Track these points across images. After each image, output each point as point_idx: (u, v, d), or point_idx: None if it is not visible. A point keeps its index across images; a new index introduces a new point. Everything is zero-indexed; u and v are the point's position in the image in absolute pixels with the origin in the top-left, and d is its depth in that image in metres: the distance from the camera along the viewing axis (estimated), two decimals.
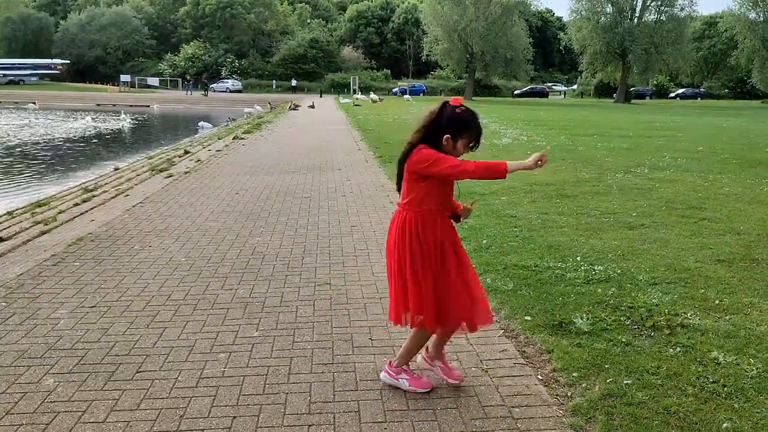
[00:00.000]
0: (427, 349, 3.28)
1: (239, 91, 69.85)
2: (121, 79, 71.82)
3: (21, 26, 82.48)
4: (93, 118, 32.10)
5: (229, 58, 77.76)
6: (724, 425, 2.76)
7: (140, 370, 3.33)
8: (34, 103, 44.83)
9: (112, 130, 27.99)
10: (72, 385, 3.15)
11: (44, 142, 21.81)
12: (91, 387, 3.14)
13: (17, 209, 8.59)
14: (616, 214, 7.04)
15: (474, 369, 3.37)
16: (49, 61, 79.16)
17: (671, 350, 3.50)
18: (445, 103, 2.96)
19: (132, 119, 32.18)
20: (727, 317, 3.97)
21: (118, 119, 32.30)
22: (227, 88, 70.58)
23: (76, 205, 8.28)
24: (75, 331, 3.82)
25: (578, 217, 6.84)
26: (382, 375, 3.21)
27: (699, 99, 73.35)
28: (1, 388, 3.11)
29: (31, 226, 7.05)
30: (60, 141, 22.27)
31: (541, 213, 7.06)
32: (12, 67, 75.29)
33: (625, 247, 5.62)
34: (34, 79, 75.20)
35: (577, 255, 5.32)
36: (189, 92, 63.56)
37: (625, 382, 3.14)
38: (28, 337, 3.73)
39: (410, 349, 3.19)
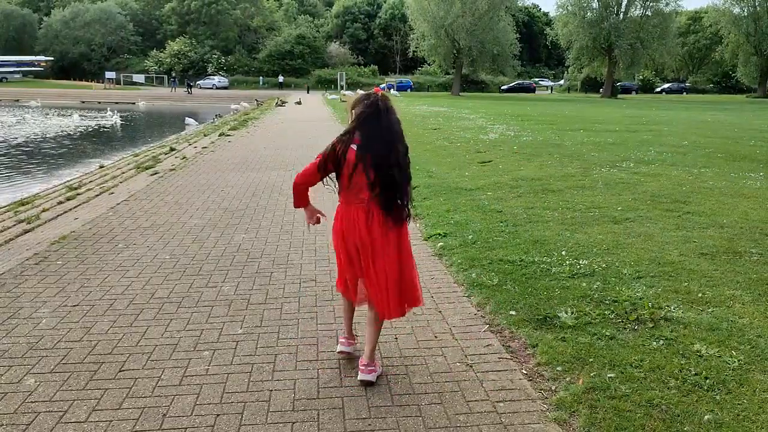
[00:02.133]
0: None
1: (225, 88, 69.39)
2: (106, 76, 71.01)
3: (4, 23, 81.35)
4: (81, 116, 31.99)
5: (215, 54, 77.16)
6: (706, 417, 2.78)
7: (123, 369, 3.31)
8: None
9: (103, 126, 28.18)
10: (53, 385, 3.12)
11: (33, 139, 21.66)
12: (72, 386, 3.11)
13: (0, 207, 8.49)
14: (602, 208, 7.06)
15: (458, 364, 3.38)
16: (32, 58, 78.17)
17: (654, 343, 3.52)
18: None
19: (121, 116, 32.12)
20: (709, 310, 4.00)
21: (104, 117, 32.17)
22: (213, 84, 70.02)
23: (60, 203, 8.20)
24: (57, 331, 3.79)
25: (564, 212, 6.87)
26: (368, 376, 3.13)
27: (684, 93, 73.81)
28: None
29: (14, 225, 6.97)
30: (48, 138, 22.11)
31: (527, 208, 7.08)
32: None
33: (609, 241, 5.64)
34: (17, 76, 74.21)
35: (563, 249, 5.34)
36: (173, 89, 62.71)
37: (608, 375, 3.15)
38: (9, 337, 3.69)
39: (377, 338, 3.26)
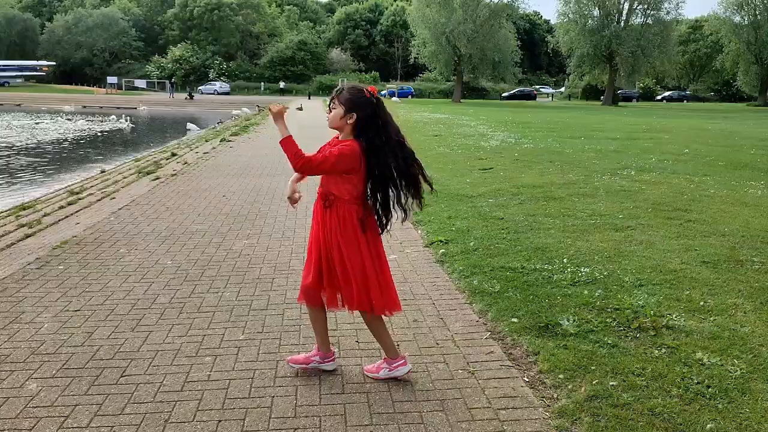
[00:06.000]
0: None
1: (227, 94, 69.51)
2: (108, 81, 71.27)
3: (6, 28, 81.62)
4: (87, 120, 32.55)
5: (217, 60, 77.42)
6: (709, 426, 2.78)
7: (125, 374, 3.30)
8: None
9: (117, 129, 29.49)
10: (55, 390, 3.12)
11: (39, 143, 21.92)
12: (74, 392, 3.11)
13: (1, 212, 8.49)
14: (603, 216, 7.07)
15: (461, 371, 3.37)
16: (34, 62, 78.44)
17: (656, 351, 3.52)
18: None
19: (130, 121, 32.81)
20: (711, 318, 4.00)
21: (109, 121, 32.78)
22: (215, 90, 70.16)
23: (62, 207, 8.21)
24: (58, 336, 3.79)
25: (565, 219, 6.87)
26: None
27: (685, 102, 73.98)
28: None
29: (16, 229, 6.97)
30: (49, 143, 22.31)
31: (529, 215, 7.08)
32: None
33: (611, 248, 5.65)
34: (19, 81, 74.41)
35: (564, 257, 5.34)
36: (171, 95, 62.30)
37: (610, 383, 3.15)
38: (10, 342, 3.69)
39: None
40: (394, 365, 3.24)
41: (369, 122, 3.04)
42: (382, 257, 3.20)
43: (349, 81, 3.32)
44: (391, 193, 3.12)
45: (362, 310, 3.19)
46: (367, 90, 3.09)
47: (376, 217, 3.13)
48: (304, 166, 3.09)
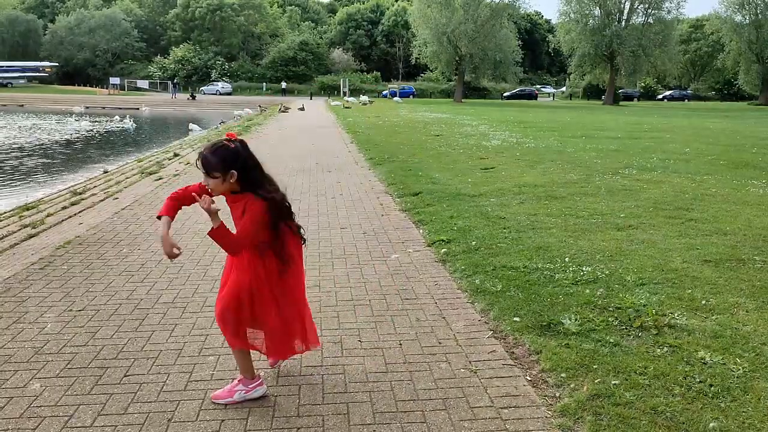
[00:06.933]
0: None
1: (229, 94, 69.64)
2: (111, 82, 71.41)
3: (9, 28, 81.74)
4: (91, 121, 32.85)
5: (219, 60, 77.52)
6: (711, 425, 2.78)
7: (128, 373, 3.32)
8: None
9: (121, 129, 30.11)
10: (59, 390, 3.13)
11: (39, 144, 22.01)
12: (78, 391, 3.12)
13: (5, 212, 8.52)
14: (605, 215, 7.07)
15: (463, 370, 3.38)
16: (37, 63, 78.61)
17: (659, 350, 3.52)
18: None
19: (134, 122, 33.16)
20: (713, 317, 4.00)
21: (112, 121, 33.11)
22: (217, 90, 70.33)
23: (65, 208, 8.23)
24: (62, 335, 3.80)
25: (567, 219, 6.87)
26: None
27: (686, 101, 73.90)
28: None
29: (19, 230, 6.99)
30: (52, 143, 22.41)
31: (530, 214, 7.09)
32: None
33: (613, 248, 5.65)
34: (21, 81, 74.54)
35: (566, 256, 5.34)
36: (173, 95, 62.44)
37: (613, 382, 3.15)
38: (14, 341, 3.70)
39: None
40: (251, 386, 3.07)
41: (246, 168, 2.97)
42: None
43: (209, 143, 3.14)
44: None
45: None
46: (225, 140, 2.96)
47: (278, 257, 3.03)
48: (238, 249, 3.01)
